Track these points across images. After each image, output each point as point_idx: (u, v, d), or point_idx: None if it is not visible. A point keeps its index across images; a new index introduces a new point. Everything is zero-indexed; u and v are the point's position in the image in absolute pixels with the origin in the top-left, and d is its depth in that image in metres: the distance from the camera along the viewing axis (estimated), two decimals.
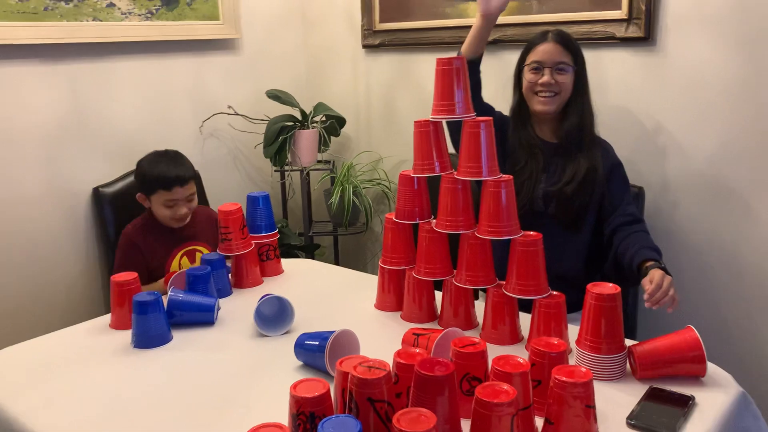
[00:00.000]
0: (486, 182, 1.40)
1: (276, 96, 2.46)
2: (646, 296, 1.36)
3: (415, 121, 1.49)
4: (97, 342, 1.52)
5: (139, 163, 1.98)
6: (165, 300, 1.53)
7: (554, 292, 1.38)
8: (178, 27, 2.36)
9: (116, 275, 1.61)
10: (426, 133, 1.47)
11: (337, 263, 2.72)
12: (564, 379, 1.00)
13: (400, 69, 2.57)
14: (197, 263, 2.02)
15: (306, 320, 1.55)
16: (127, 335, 1.51)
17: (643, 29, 1.92)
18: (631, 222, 1.69)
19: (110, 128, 2.25)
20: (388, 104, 2.64)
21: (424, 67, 2.48)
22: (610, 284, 1.27)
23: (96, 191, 2.20)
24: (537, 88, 1.75)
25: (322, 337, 1.33)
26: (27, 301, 2.13)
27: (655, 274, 1.40)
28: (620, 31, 1.96)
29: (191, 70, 2.46)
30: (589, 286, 1.27)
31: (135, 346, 1.48)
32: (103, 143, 2.18)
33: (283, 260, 1.99)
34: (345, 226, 2.59)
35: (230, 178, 2.64)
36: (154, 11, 2.30)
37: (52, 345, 1.51)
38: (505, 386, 0.97)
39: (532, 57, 1.76)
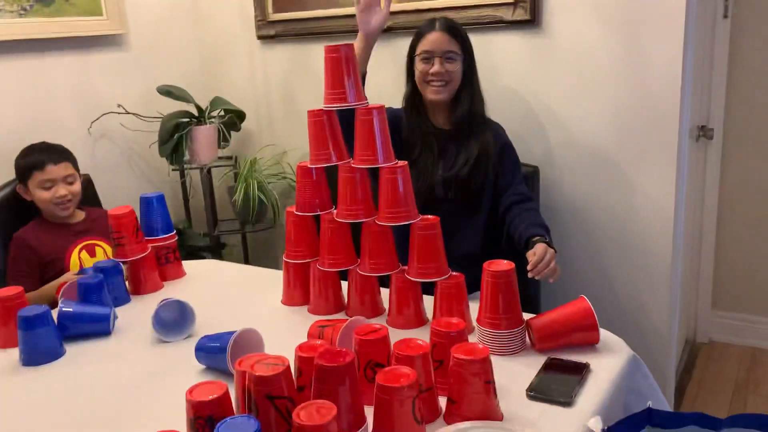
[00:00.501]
0: (382, 169, 1.40)
1: (168, 92, 2.37)
2: (529, 267, 1.44)
3: (309, 111, 1.47)
4: None
5: (17, 156, 1.96)
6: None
7: (454, 273, 1.40)
8: (56, 23, 2.22)
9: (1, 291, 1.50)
10: (320, 122, 1.45)
11: (246, 262, 2.66)
12: (462, 357, 1.01)
13: (297, 59, 2.53)
14: (99, 257, 1.94)
15: (209, 323, 1.50)
16: (14, 354, 1.41)
17: (529, 12, 1.97)
18: (522, 200, 1.76)
19: None
20: (288, 96, 2.59)
21: (321, 56, 2.44)
22: (505, 261, 1.30)
23: None
24: (428, 77, 1.77)
25: (224, 338, 1.29)
26: None
27: (539, 247, 1.49)
28: (508, 15, 2.01)
29: (74, 69, 2.32)
30: (485, 264, 1.30)
31: (24, 364, 1.38)
32: None
33: (185, 262, 1.92)
34: (252, 224, 2.53)
35: (125, 180, 2.52)
36: (27, 8, 2.15)
37: None
38: (406, 369, 0.97)
39: (422, 47, 1.78)
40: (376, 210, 1.45)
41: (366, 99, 1.43)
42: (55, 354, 1.41)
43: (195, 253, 2.47)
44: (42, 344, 1.39)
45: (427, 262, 1.39)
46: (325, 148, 1.46)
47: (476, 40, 1.85)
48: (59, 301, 1.51)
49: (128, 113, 2.43)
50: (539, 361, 1.23)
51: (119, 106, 2.41)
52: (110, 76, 2.43)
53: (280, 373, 0.95)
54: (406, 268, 1.44)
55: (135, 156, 2.54)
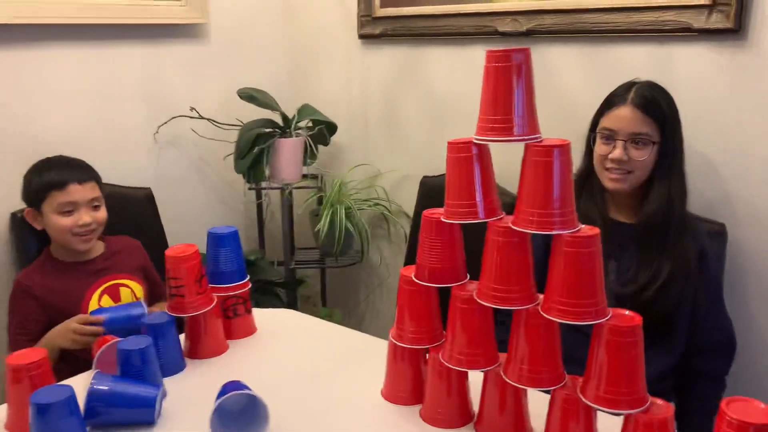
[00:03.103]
0: (559, 237, 0.94)
1: (251, 96, 1.99)
2: None
3: (450, 143, 1.02)
4: None
5: (26, 173, 1.59)
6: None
7: (658, 401, 0.94)
8: (128, 8, 1.91)
9: (13, 355, 1.12)
10: (467, 160, 1.01)
11: (323, 300, 2.26)
12: None
13: (404, 65, 2.10)
14: (124, 301, 1.59)
15: (282, 418, 1.10)
16: None
17: (732, 19, 1.47)
18: (708, 351, 1.44)
19: (34, 135, 1.77)
20: (390, 108, 2.17)
21: (436, 63, 2.02)
22: (761, 404, 0.84)
23: (14, 217, 1.72)
24: (606, 163, 1.44)
25: None
26: None
27: None
28: (699, 21, 1.51)
29: (144, 62, 1.99)
30: (724, 404, 0.84)
31: None
32: (25, 155, 1.67)
33: (256, 311, 1.52)
34: (336, 256, 2.12)
35: (192, 197, 2.16)
36: None
37: None
38: None
39: (605, 121, 1.45)
40: (540, 295, 0.99)
41: (539, 132, 0.97)
42: None
43: (266, 289, 2.07)
44: None
45: (617, 385, 0.92)
46: (469, 197, 1.01)
47: (650, 51, 1.39)
48: (93, 374, 1.13)
49: (202, 118, 2.06)
50: None
51: (192, 109, 2.04)
52: (184, 72, 2.08)
53: None
54: (578, 383, 0.98)
55: (206, 169, 2.18)
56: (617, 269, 1.44)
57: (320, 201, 2.17)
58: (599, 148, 1.45)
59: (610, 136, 1.43)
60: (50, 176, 1.54)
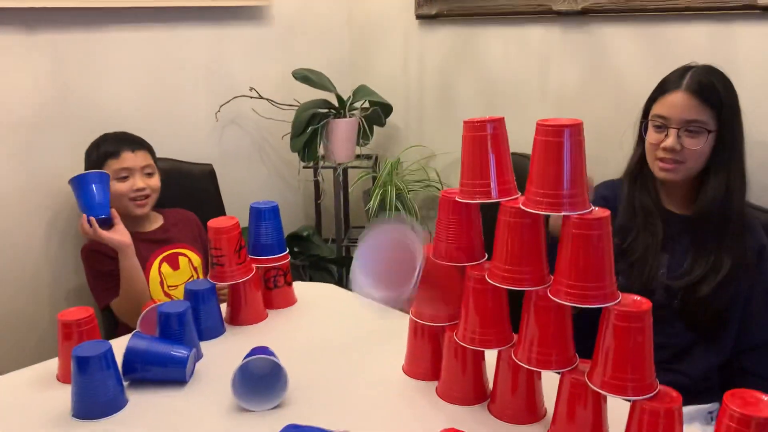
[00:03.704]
0: (569, 219, 0.93)
1: (305, 77, 2.03)
2: None
3: (465, 122, 1.03)
4: (34, 401, 1.15)
5: (87, 149, 1.74)
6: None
7: (668, 389, 0.91)
8: None
9: (64, 313, 1.22)
10: (481, 139, 1.00)
11: None
12: None
13: (461, 45, 2.09)
14: (184, 270, 1.67)
15: (305, 386, 1.15)
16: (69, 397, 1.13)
17: None
18: (762, 360, 1.35)
19: (102, 113, 1.89)
20: (446, 89, 2.16)
21: (491, 43, 2.00)
22: (765, 397, 0.80)
23: None
24: (659, 152, 1.36)
25: None
26: None
27: None
28: None
29: (207, 44, 2.07)
30: (726, 396, 0.81)
31: (74, 415, 1.10)
32: (93, 131, 1.80)
33: (299, 284, 1.58)
34: None
35: (252, 174, 2.24)
36: None
37: None
38: None
39: (658, 108, 1.37)
40: (551, 276, 0.98)
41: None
42: (113, 406, 1.11)
43: (319, 265, 2.13)
44: (99, 394, 1.09)
45: (624, 371, 0.90)
46: (483, 177, 1.01)
47: (711, 30, 1.31)
48: (132, 334, 1.22)
49: (261, 98, 2.13)
50: None
51: (251, 89, 2.11)
52: (246, 54, 2.15)
53: None
54: (585, 365, 0.97)
55: (266, 147, 2.26)
56: (668, 263, 1.38)
57: (374, 181, 2.20)
58: (651, 136, 1.38)
59: (663, 124, 1.35)
60: (106, 147, 1.69)
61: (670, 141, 1.33)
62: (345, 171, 2.16)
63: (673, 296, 1.35)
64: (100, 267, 1.67)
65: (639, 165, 1.43)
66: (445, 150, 2.20)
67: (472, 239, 1.08)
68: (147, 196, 1.68)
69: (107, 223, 1.59)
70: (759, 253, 1.35)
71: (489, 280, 1.01)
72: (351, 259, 2.24)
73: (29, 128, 1.79)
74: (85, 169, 1.73)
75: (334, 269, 2.17)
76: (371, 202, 2.05)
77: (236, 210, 1.89)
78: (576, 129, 0.91)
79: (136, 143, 1.71)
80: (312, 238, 2.14)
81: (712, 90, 1.32)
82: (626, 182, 1.44)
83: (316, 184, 2.28)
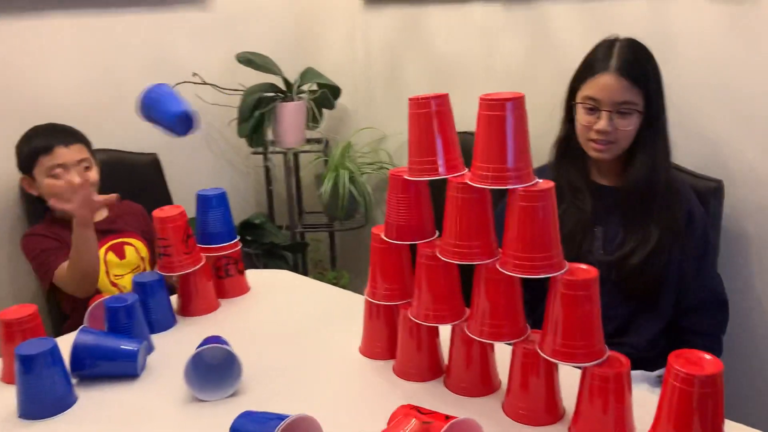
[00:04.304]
0: (514, 192, 0.93)
1: (249, 60, 2.00)
2: None
3: (410, 99, 1.02)
4: None
5: (17, 143, 1.64)
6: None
7: (616, 355, 0.93)
8: None
9: (5, 312, 1.18)
10: (426, 116, 1.00)
11: (333, 265, 2.29)
12: None
13: (407, 26, 2.08)
14: (130, 258, 1.63)
15: (261, 373, 1.14)
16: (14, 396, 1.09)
17: None
18: (702, 309, 1.39)
19: (38, 104, 1.82)
20: (393, 70, 2.16)
21: (436, 22, 1.99)
22: (708, 356, 0.82)
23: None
24: (591, 133, 1.36)
25: (269, 424, 0.90)
26: None
27: None
28: None
29: (148, 30, 2.01)
30: (671, 356, 0.83)
31: (20, 416, 1.06)
32: (30, 123, 1.72)
33: (251, 272, 1.56)
34: (340, 220, 2.14)
35: (198, 162, 2.19)
36: None
37: None
38: None
39: (587, 89, 1.35)
40: (500, 250, 0.99)
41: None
42: (61, 404, 1.08)
43: (273, 252, 2.11)
44: (46, 392, 1.06)
45: (574, 338, 0.92)
46: (430, 154, 1.01)
47: (648, 5, 1.33)
48: (79, 329, 1.18)
49: (205, 84, 2.08)
50: None
51: (195, 75, 2.06)
52: (189, 39, 2.10)
53: None
54: (535, 335, 0.99)
55: (213, 133, 2.21)
56: (604, 235, 1.40)
57: (326, 165, 2.18)
58: (582, 118, 1.37)
59: (594, 107, 1.34)
60: (37, 142, 1.60)
61: (602, 123, 1.33)
62: (296, 156, 2.14)
63: (609, 270, 1.37)
64: (41, 245, 1.60)
65: (566, 141, 1.44)
66: (396, 131, 2.20)
67: (422, 217, 1.08)
68: None
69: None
70: (688, 218, 1.38)
71: (440, 256, 1.01)
72: (305, 245, 2.24)
73: None
74: (18, 167, 1.65)
75: (289, 256, 2.15)
76: (324, 186, 2.04)
77: (184, 199, 1.84)
78: (518, 102, 0.92)
79: (70, 135, 1.62)
80: (265, 226, 2.11)
81: (640, 69, 1.33)
82: (554, 158, 1.45)
83: (266, 170, 2.25)
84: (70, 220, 1.64)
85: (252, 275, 1.55)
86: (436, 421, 0.87)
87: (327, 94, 2.13)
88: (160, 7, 2.01)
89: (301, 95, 2.08)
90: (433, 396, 1.07)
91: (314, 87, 2.13)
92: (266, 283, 1.55)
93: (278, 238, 2.13)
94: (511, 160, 0.92)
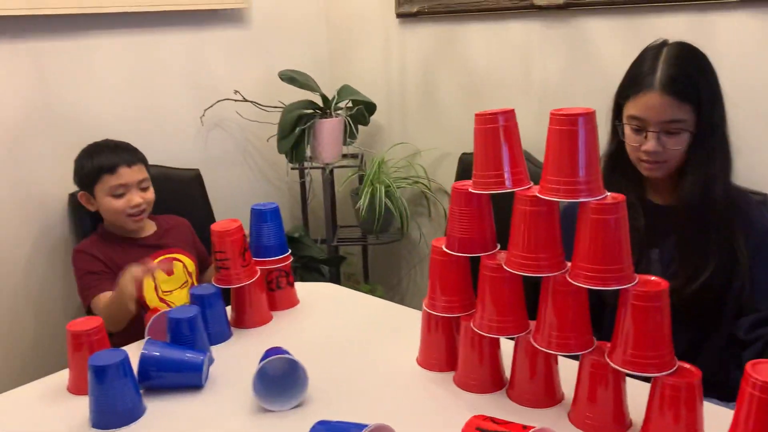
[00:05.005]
0: (585, 205, 0.96)
1: (291, 78, 2.03)
2: None
3: (477, 114, 1.05)
4: (46, 414, 1.13)
5: (77, 158, 1.67)
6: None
7: (686, 365, 0.95)
8: None
9: (74, 322, 1.20)
10: (494, 131, 1.03)
11: (366, 277, 2.31)
12: None
13: (442, 42, 2.11)
14: (179, 275, 1.65)
15: (321, 384, 1.15)
16: (87, 405, 1.11)
17: None
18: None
19: (86, 121, 1.86)
20: (427, 86, 2.19)
21: (473, 39, 2.03)
22: None
23: (73, 197, 1.81)
24: (640, 154, 1.29)
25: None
26: None
27: None
28: None
29: (189, 48, 2.05)
30: (749, 366, 0.84)
31: (93, 426, 1.08)
32: (80, 138, 1.75)
33: (298, 285, 1.58)
34: (376, 234, 2.16)
35: (238, 177, 2.23)
36: None
37: None
38: None
39: (632, 109, 1.27)
40: (568, 263, 1.01)
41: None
42: (132, 414, 1.10)
43: (311, 266, 2.13)
44: (118, 402, 1.08)
45: (644, 349, 0.93)
46: (496, 168, 1.04)
47: (689, 20, 1.35)
48: (145, 341, 1.20)
49: (246, 101, 2.12)
50: None
51: (236, 92, 2.10)
52: (227, 57, 2.14)
53: None
54: (604, 346, 1.00)
55: (251, 150, 2.25)
56: (660, 258, 1.32)
57: (361, 180, 2.21)
58: (630, 137, 1.30)
59: (641, 127, 1.27)
60: (101, 160, 1.62)
61: (650, 145, 1.25)
62: (331, 171, 2.17)
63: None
64: (88, 267, 1.62)
65: (616, 156, 1.35)
66: (429, 146, 2.23)
67: (484, 230, 1.10)
68: (143, 211, 1.65)
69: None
70: (756, 247, 1.26)
71: (507, 268, 1.03)
72: (343, 258, 2.27)
73: (13, 138, 1.74)
74: (76, 182, 1.68)
75: (326, 270, 2.17)
76: (361, 201, 2.06)
77: (224, 213, 1.88)
78: (589, 117, 0.94)
79: (132, 155, 1.65)
80: (303, 240, 2.13)
81: (689, 82, 1.23)
82: (604, 174, 1.28)
83: (302, 185, 2.28)
84: (120, 236, 1.68)
85: (298, 288, 1.58)
86: (514, 431, 0.89)
87: (362, 110, 2.16)
88: (201, 26, 2.06)
89: (338, 112, 2.11)
90: (497, 407, 1.08)
91: (349, 103, 2.17)
92: (313, 295, 1.58)
93: (315, 252, 2.16)
94: (582, 173, 0.94)
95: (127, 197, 1.61)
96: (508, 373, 1.14)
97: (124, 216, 1.62)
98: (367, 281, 2.39)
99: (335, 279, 2.27)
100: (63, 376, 1.23)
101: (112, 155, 1.63)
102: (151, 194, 1.67)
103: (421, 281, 2.37)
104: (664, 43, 1.29)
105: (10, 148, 1.74)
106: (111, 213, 1.63)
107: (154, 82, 1.99)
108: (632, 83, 1.29)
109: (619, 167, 1.35)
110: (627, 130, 1.31)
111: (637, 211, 1.30)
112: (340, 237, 2.27)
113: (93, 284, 1.61)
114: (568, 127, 0.94)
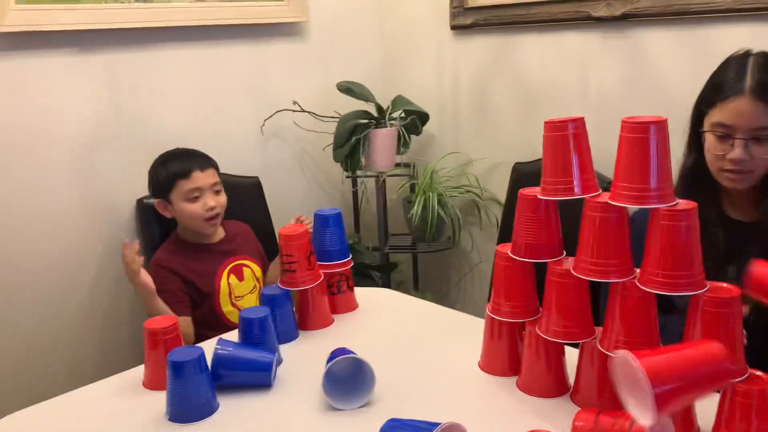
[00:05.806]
0: (656, 212, 0.97)
1: (348, 89, 2.08)
2: None
3: (547, 122, 1.07)
4: (123, 408, 1.18)
5: (151, 167, 1.73)
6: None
7: (758, 372, 0.95)
8: (235, 9, 2.03)
9: (150, 320, 1.26)
10: (563, 138, 1.05)
11: (416, 285, 2.33)
12: None
13: (496, 54, 2.14)
14: (248, 281, 1.70)
15: (386, 384, 1.18)
16: (162, 400, 1.16)
17: None
18: None
19: (154, 131, 1.94)
20: (480, 97, 2.21)
21: (527, 50, 2.05)
22: None
23: (141, 203, 1.89)
24: (725, 163, 1.25)
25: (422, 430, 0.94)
26: (59, 340, 1.84)
27: None
28: None
29: (251, 60, 2.11)
30: None
31: (170, 419, 1.13)
32: (148, 146, 1.85)
33: (356, 290, 1.62)
34: (428, 242, 2.19)
35: (295, 185, 2.28)
36: None
37: (68, 410, 1.19)
38: None
39: (718, 115, 1.24)
40: (636, 269, 1.02)
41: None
42: (207, 409, 1.14)
43: (363, 272, 2.17)
44: (194, 397, 1.13)
45: None
46: (566, 174, 1.06)
47: (751, 31, 1.33)
48: (217, 339, 1.25)
49: (303, 111, 2.18)
50: None
51: (294, 103, 2.16)
52: (287, 69, 2.20)
53: None
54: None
55: (307, 159, 2.30)
56: (737, 275, 1.27)
57: (413, 188, 2.24)
58: (713, 146, 1.26)
59: (727, 134, 1.23)
60: (175, 167, 1.68)
61: (737, 152, 1.22)
62: (384, 179, 2.21)
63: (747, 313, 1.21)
64: (166, 284, 1.67)
65: (695, 170, 1.32)
66: (481, 156, 2.25)
67: (551, 235, 1.12)
68: (218, 215, 1.70)
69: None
70: None
71: (575, 274, 1.05)
72: (395, 265, 2.30)
73: (86, 148, 1.83)
74: (151, 190, 1.74)
75: (377, 276, 2.21)
76: (414, 209, 2.09)
77: (282, 219, 1.94)
78: (661, 125, 0.96)
79: (204, 160, 1.71)
80: (357, 246, 2.18)
81: None
82: (680, 190, 1.29)
83: (354, 194, 2.33)
84: (193, 242, 1.73)
85: (356, 293, 1.61)
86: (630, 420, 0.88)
87: (416, 121, 2.20)
88: (262, 39, 2.13)
89: (392, 122, 2.16)
90: (564, 411, 1.09)
91: (403, 114, 2.20)
92: (370, 300, 1.61)
93: (368, 259, 2.19)
94: (653, 180, 0.96)
95: (203, 201, 1.67)
96: (571, 378, 1.15)
97: (201, 220, 1.67)
98: (417, 289, 2.41)
99: (386, 286, 2.30)
100: (138, 372, 1.28)
101: (186, 161, 1.69)
102: (224, 198, 1.72)
103: (471, 290, 2.38)
104: (748, 53, 1.27)
105: (86, 155, 1.83)
106: (188, 218, 1.68)
107: (218, 93, 2.06)
108: (718, 90, 1.26)
109: (697, 182, 1.32)
110: (710, 138, 1.27)
111: (717, 228, 1.28)
112: (392, 244, 2.30)
113: (176, 305, 1.65)
114: (640, 134, 0.96)
